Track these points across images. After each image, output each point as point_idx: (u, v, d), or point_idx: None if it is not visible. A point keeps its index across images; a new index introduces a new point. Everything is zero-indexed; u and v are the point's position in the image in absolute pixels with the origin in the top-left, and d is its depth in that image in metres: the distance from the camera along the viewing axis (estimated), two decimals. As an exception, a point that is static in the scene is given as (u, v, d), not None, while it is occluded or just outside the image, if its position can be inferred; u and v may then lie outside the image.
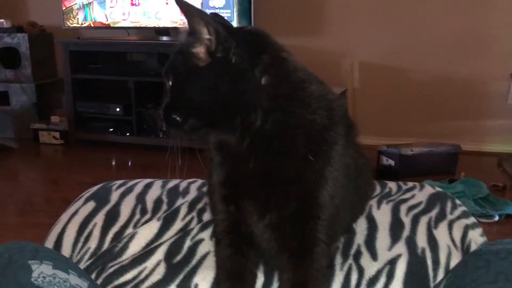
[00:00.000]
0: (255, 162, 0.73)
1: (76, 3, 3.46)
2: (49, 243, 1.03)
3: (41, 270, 0.72)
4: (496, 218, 2.25)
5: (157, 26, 3.36)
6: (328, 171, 0.73)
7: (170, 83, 0.72)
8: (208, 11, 0.85)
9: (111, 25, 3.46)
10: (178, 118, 0.71)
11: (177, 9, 3.17)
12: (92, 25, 3.49)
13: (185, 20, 0.71)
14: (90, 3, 3.44)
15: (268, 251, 0.80)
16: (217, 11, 3.05)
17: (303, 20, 3.51)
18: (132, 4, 3.37)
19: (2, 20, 3.68)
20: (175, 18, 3.29)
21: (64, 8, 3.48)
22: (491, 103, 3.33)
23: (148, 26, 3.38)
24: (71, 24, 3.51)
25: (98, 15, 3.45)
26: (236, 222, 0.80)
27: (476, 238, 1.02)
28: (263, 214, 0.76)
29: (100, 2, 3.42)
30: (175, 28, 3.30)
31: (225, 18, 0.80)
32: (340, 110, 0.77)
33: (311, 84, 0.74)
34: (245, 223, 0.79)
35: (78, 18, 3.49)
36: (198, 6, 2.52)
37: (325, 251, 0.78)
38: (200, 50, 0.70)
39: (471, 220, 1.08)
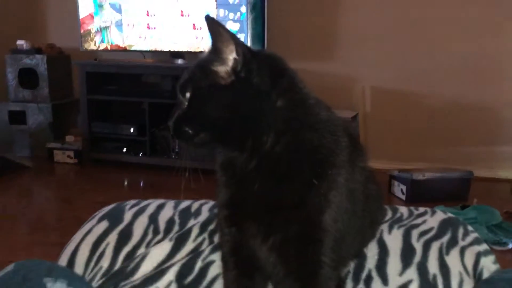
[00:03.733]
0: (260, 183, 0.74)
1: (94, 27, 3.55)
2: (63, 261, 1.04)
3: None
4: (510, 245, 2.22)
5: (172, 49, 3.43)
6: (332, 195, 0.74)
7: (188, 96, 0.73)
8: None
9: (127, 48, 3.54)
10: (190, 131, 0.73)
11: (192, 33, 3.28)
12: (109, 48, 3.58)
13: (200, 44, 0.73)
14: (107, 26, 3.53)
15: (274, 275, 0.80)
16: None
17: (315, 45, 3.55)
18: (149, 28, 3.45)
19: (22, 42, 3.78)
20: (190, 42, 3.35)
21: (82, 31, 3.58)
22: (503, 129, 3.32)
23: (163, 49, 3.46)
24: (89, 46, 3.60)
25: (115, 38, 3.54)
26: (240, 244, 0.80)
27: (489, 265, 1.01)
28: (267, 236, 0.76)
29: (118, 26, 3.51)
30: (190, 52, 3.37)
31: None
32: (347, 136, 0.78)
33: (320, 110, 0.76)
34: (248, 245, 0.79)
35: (95, 41, 3.58)
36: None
37: (331, 275, 0.78)
38: (222, 69, 0.72)
39: (484, 247, 1.07)
